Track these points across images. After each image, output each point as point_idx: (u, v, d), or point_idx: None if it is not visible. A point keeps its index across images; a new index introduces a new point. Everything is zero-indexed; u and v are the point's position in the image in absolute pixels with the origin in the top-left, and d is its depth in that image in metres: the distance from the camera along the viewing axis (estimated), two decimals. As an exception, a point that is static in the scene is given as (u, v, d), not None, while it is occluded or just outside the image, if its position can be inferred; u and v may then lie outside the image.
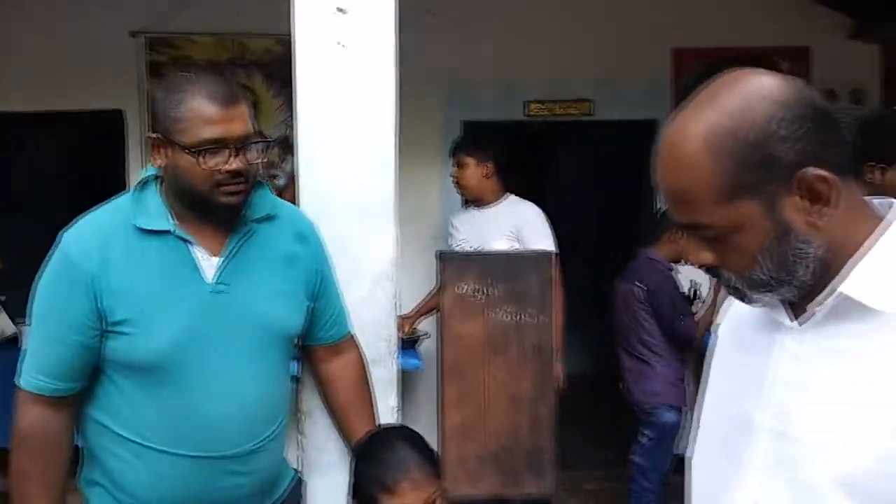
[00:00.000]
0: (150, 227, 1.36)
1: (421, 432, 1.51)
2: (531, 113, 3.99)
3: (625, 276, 2.90)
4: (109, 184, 4.44)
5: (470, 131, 3.89)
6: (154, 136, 1.37)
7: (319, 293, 1.56)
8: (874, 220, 0.83)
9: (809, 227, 0.80)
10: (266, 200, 1.50)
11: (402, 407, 1.85)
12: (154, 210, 1.38)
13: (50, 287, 1.38)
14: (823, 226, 0.80)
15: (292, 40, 1.71)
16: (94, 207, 1.47)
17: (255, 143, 1.38)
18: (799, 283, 0.82)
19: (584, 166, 4.85)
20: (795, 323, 0.86)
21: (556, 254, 3.00)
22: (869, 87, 4.07)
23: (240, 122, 1.35)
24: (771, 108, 0.79)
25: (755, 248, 0.82)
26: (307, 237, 1.55)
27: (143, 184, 1.42)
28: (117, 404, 1.39)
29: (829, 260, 0.82)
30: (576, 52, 3.94)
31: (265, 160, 1.47)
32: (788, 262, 0.81)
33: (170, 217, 1.38)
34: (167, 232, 1.36)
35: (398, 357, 1.88)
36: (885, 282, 0.79)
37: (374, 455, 1.40)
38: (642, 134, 2.71)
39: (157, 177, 1.43)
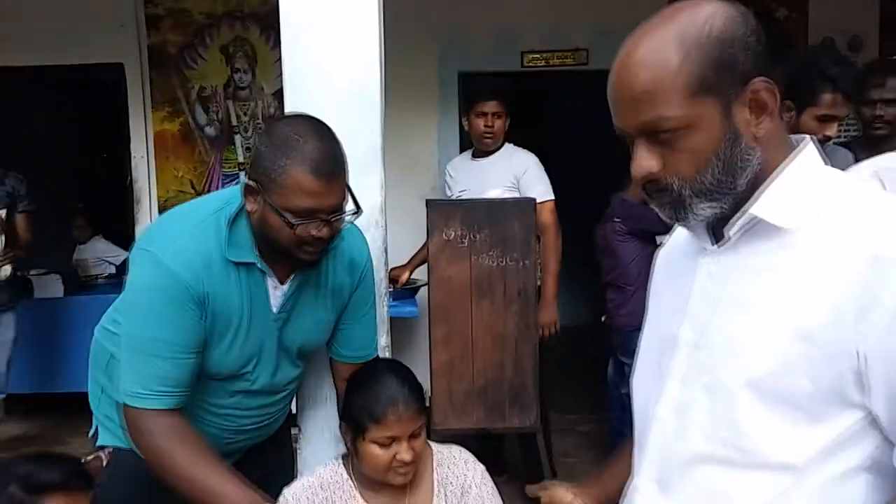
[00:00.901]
0: (239, 261, 1.43)
1: (415, 371, 1.61)
2: (527, 63, 4.00)
3: (604, 219, 3.03)
4: (111, 137, 4.53)
5: (466, 82, 3.91)
6: (251, 183, 1.37)
7: (348, 317, 1.62)
8: (789, 149, 0.91)
9: (752, 139, 0.87)
10: None
11: (396, 348, 1.95)
12: (243, 243, 1.43)
13: (163, 307, 1.39)
14: (761, 139, 0.87)
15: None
16: (172, 221, 1.51)
17: (346, 214, 1.41)
18: (735, 194, 0.88)
19: (579, 115, 4.88)
20: (715, 246, 0.93)
21: (553, 200, 3.07)
22: (867, 34, 4.04)
23: (337, 196, 1.37)
24: (737, 17, 0.86)
25: (710, 149, 0.86)
26: (356, 266, 1.61)
27: (235, 217, 1.43)
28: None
29: (761, 171, 0.88)
30: (571, 0, 3.93)
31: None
32: (735, 168, 0.86)
33: (254, 250, 1.44)
34: (252, 263, 1.44)
35: (388, 298, 1.97)
36: (791, 203, 0.87)
37: (365, 386, 1.49)
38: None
39: (246, 210, 1.42)
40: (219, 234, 1.42)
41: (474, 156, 3.19)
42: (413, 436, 1.44)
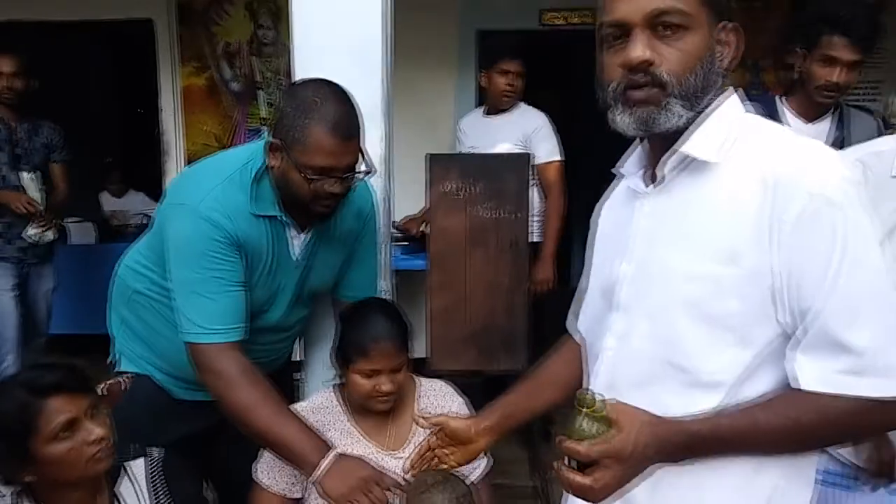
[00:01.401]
0: (263, 214, 1.57)
1: (419, 317, 1.74)
2: (546, 21, 4.01)
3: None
4: (141, 92, 4.67)
5: (485, 40, 3.94)
6: (275, 141, 1.50)
7: (353, 261, 1.77)
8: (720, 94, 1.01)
9: (722, 64, 0.99)
10: None
11: (406, 297, 2.08)
12: (267, 198, 1.57)
13: (211, 249, 1.52)
14: (726, 68, 0.99)
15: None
16: (205, 175, 1.61)
17: (359, 173, 1.54)
18: (699, 108, 0.98)
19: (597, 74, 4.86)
20: (651, 187, 1.04)
21: (561, 161, 3.14)
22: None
23: (352, 155, 1.51)
24: None
25: (700, 54, 0.96)
26: (362, 214, 1.76)
27: (259, 174, 1.56)
28: None
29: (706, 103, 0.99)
30: (592, -42, 3.91)
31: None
32: (709, 83, 0.98)
33: (276, 204, 1.58)
34: (274, 216, 1.58)
35: (390, 246, 2.09)
36: (715, 142, 0.98)
37: (355, 322, 1.62)
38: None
39: (268, 166, 1.55)
40: (244, 189, 1.55)
41: (487, 113, 3.25)
42: (394, 370, 1.56)
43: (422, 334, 2.44)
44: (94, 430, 1.31)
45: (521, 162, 2.17)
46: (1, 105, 3.23)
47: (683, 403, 0.98)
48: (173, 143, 4.29)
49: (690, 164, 1.00)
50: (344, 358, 1.60)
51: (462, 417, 1.47)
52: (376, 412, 1.61)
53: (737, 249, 0.94)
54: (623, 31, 0.97)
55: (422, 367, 2.12)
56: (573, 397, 0.96)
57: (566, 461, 0.96)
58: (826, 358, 0.92)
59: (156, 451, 1.50)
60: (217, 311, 1.53)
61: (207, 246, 1.52)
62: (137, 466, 1.46)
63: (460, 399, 1.73)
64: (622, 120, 0.99)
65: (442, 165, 2.11)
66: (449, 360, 2.17)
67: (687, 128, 0.98)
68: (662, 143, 1.01)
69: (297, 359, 2.04)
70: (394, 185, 2.62)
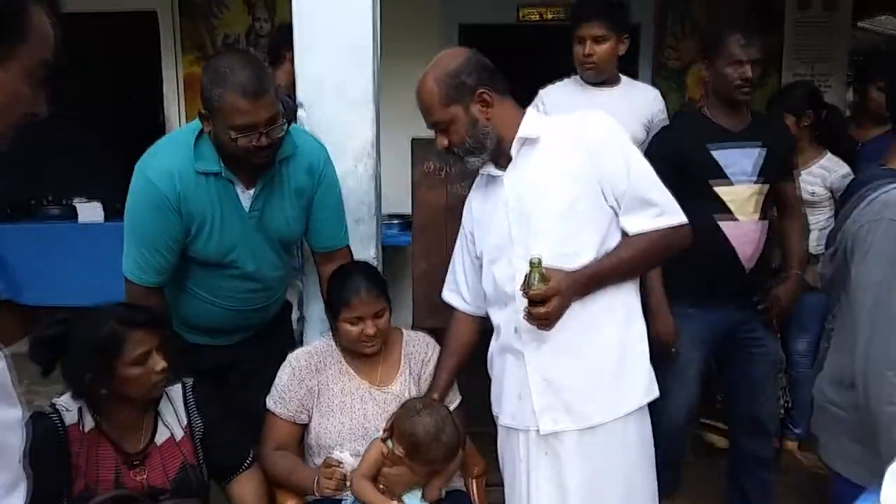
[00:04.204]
0: (205, 170, 1.84)
1: (404, 282, 2.03)
2: (523, 18, 4.29)
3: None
4: (146, 83, 4.92)
5: (466, 34, 4.21)
6: (202, 111, 1.78)
7: (315, 213, 2.02)
8: (521, 113, 1.73)
9: (486, 119, 1.68)
10: (288, 143, 1.89)
11: (394, 269, 2.38)
12: (208, 157, 1.84)
13: (144, 211, 1.82)
14: (492, 118, 1.68)
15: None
16: (160, 142, 1.93)
17: (279, 125, 1.78)
18: (488, 149, 1.70)
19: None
20: (505, 171, 1.71)
21: None
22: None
23: (266, 109, 1.73)
24: (460, 60, 1.69)
25: (463, 131, 1.68)
26: (314, 170, 1.98)
27: (200, 134, 1.83)
28: (195, 278, 1.98)
29: (501, 135, 1.70)
30: (567, -43, 4.19)
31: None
32: (480, 138, 1.68)
33: (219, 161, 1.84)
34: (218, 173, 1.85)
35: (380, 220, 2.40)
36: (535, 126, 1.70)
37: (338, 280, 1.92)
38: (630, 39, 2.54)
39: (205, 132, 1.82)
40: (188, 149, 1.83)
41: (596, 84, 2.55)
42: (376, 316, 1.87)
43: (408, 298, 2.76)
44: (160, 362, 1.64)
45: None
46: None
47: (571, 268, 1.65)
48: (176, 128, 4.55)
49: (525, 143, 1.69)
50: (333, 311, 1.91)
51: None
52: (366, 355, 1.93)
53: (575, 173, 1.65)
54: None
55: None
56: (528, 265, 1.60)
57: (525, 309, 1.61)
58: (642, 213, 1.66)
59: (189, 380, 1.81)
60: (145, 261, 1.84)
61: (147, 208, 1.81)
62: (175, 391, 1.78)
63: (439, 347, 2.05)
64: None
65: (423, 147, 2.41)
66: (431, 317, 2.48)
67: (487, 156, 1.72)
68: (493, 157, 1.73)
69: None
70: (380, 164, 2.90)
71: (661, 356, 2.14)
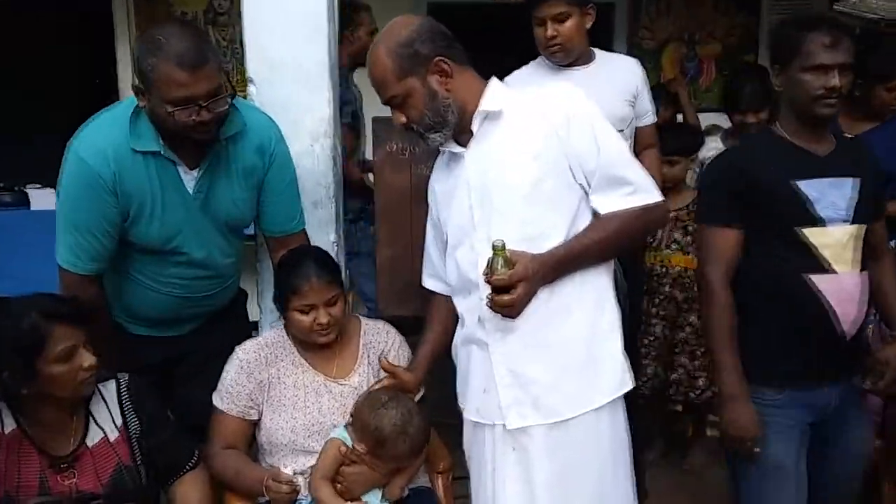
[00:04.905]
0: (143, 149, 1.69)
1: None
2: (494, -5, 4.15)
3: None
4: (101, 65, 4.70)
5: (436, 12, 4.07)
6: (137, 85, 1.63)
7: (266, 195, 1.88)
8: (483, 84, 1.60)
9: (445, 91, 1.55)
10: (235, 120, 1.76)
11: (340, 240, 2.26)
12: (146, 135, 1.69)
13: (77, 192, 1.67)
14: (451, 89, 1.55)
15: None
16: (95, 117, 1.77)
17: (222, 97, 1.63)
18: (450, 123, 1.56)
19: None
20: (465, 147, 1.60)
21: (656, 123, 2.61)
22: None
23: (207, 81, 1.59)
24: (412, 28, 1.54)
25: (422, 105, 1.55)
26: (265, 149, 1.84)
27: (138, 110, 1.68)
28: (137, 264, 1.83)
29: (463, 108, 1.57)
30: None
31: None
32: (441, 111, 1.55)
33: (158, 140, 1.70)
34: (157, 152, 1.70)
35: (341, 201, 2.27)
36: (497, 99, 1.58)
37: (287, 266, 1.79)
38: (601, 17, 2.44)
39: (141, 108, 1.67)
40: (123, 126, 1.68)
41: (568, 65, 2.37)
42: (328, 303, 1.74)
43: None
44: (88, 359, 1.50)
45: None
46: None
47: (538, 252, 1.54)
48: (133, 111, 4.36)
49: (487, 117, 1.57)
50: (282, 299, 1.78)
51: (407, 370, 1.80)
52: (320, 346, 1.80)
53: (538, 151, 1.53)
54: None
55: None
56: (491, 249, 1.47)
57: (488, 296, 1.49)
58: (613, 191, 1.56)
59: (124, 375, 1.67)
60: (80, 247, 1.70)
61: (80, 189, 1.67)
62: (109, 388, 1.63)
63: (400, 337, 1.93)
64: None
65: (385, 127, 2.27)
66: (397, 306, 2.35)
67: (450, 131, 1.58)
68: (456, 133, 1.60)
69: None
70: (365, 143, 2.73)
71: (740, 456, 1.76)
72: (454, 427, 1.81)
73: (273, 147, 1.88)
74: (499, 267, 1.46)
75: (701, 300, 1.84)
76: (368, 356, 1.87)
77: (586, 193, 1.57)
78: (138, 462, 1.60)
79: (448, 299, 1.76)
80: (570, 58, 2.36)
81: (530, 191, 1.53)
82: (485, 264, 1.50)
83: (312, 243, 2.00)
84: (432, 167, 2.01)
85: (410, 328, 2.02)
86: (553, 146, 1.53)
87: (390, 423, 1.64)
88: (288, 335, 1.85)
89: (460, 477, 1.90)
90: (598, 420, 1.58)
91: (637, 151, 2.41)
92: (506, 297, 1.47)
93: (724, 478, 1.97)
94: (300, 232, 1.99)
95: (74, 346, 1.49)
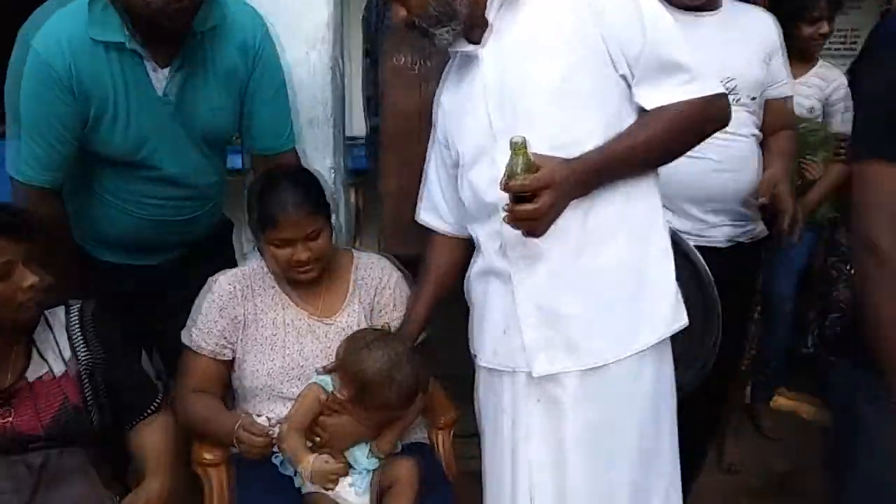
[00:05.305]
0: (104, 39, 1.46)
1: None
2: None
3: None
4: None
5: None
6: None
7: (250, 104, 1.64)
8: None
9: None
10: (214, 10, 1.53)
11: (339, 167, 2.01)
12: (109, 23, 1.46)
13: (29, 89, 1.47)
14: None
15: None
16: (46, 3, 1.57)
17: None
18: (460, 14, 1.29)
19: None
20: (478, 45, 1.33)
21: None
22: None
23: None
24: None
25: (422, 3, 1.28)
26: (248, 48, 1.60)
27: None
28: (103, 179, 1.62)
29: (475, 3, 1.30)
30: None
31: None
32: (449, 7, 1.28)
33: (123, 30, 1.46)
34: (122, 43, 1.46)
35: (340, 120, 2.01)
36: None
37: (262, 191, 1.53)
38: None
39: None
40: (82, 11, 1.45)
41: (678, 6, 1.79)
42: (308, 238, 1.49)
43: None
44: (29, 277, 1.30)
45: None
46: None
47: None
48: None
49: (504, 3, 1.30)
50: (256, 229, 1.54)
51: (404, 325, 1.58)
52: (302, 282, 1.56)
53: (571, 36, 1.26)
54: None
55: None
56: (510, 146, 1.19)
57: (505, 209, 1.22)
58: (664, 80, 1.27)
59: (77, 302, 1.47)
60: (32, 154, 1.50)
61: (32, 85, 1.47)
62: (58, 316, 1.43)
63: (397, 273, 1.69)
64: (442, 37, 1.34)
65: (393, 35, 2.00)
66: (402, 243, 2.10)
67: (460, 25, 1.31)
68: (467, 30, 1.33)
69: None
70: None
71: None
72: (461, 379, 1.57)
73: (258, 45, 1.62)
74: (518, 170, 1.19)
75: (860, 269, 1.19)
76: (360, 294, 1.63)
77: (629, 87, 1.29)
78: (88, 401, 1.41)
79: (449, 238, 1.52)
80: None
81: (561, 87, 1.26)
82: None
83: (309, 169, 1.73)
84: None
85: (417, 268, 1.78)
86: (587, 30, 1.25)
87: (375, 366, 1.41)
88: (267, 266, 1.62)
89: (468, 435, 1.66)
90: (642, 365, 1.31)
91: (766, 132, 1.92)
92: (528, 206, 1.20)
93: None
94: (289, 150, 1.74)
95: (11, 262, 1.28)
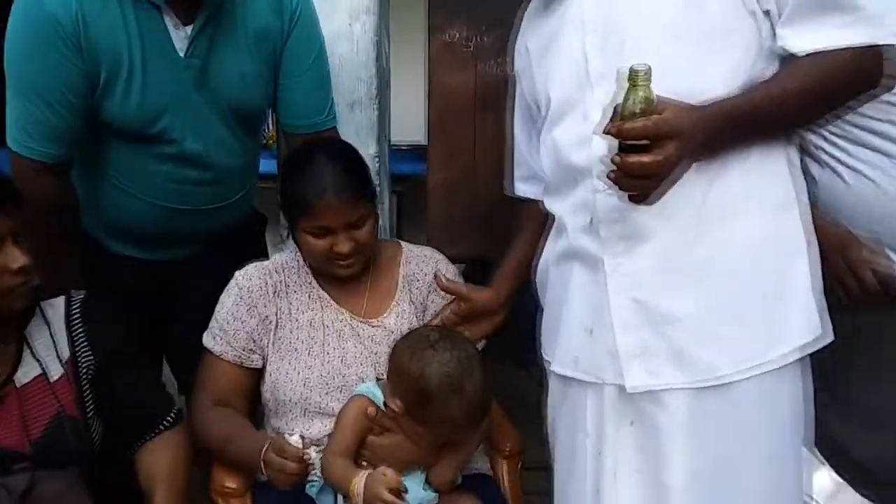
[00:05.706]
0: None
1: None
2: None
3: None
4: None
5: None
6: None
7: (285, 74, 1.45)
8: None
9: None
10: None
11: (384, 155, 1.79)
12: None
13: (29, 46, 1.29)
14: None
15: None
16: None
17: None
18: None
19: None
20: None
21: None
22: None
23: None
24: None
25: None
26: (283, 7, 1.42)
27: None
28: (114, 157, 1.41)
29: None
30: None
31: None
32: None
33: None
34: None
35: (382, 100, 1.80)
36: None
37: (297, 170, 1.31)
38: None
39: None
40: None
41: None
42: (351, 225, 1.27)
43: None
44: (18, 258, 1.08)
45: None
46: None
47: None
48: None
49: None
50: (289, 215, 1.32)
51: (484, 289, 1.30)
52: (342, 278, 1.33)
53: None
54: None
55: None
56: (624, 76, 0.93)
57: (610, 160, 0.96)
58: (819, 19, 0.99)
59: (79, 293, 1.23)
60: (33, 121, 1.30)
61: (33, 41, 1.28)
62: (55, 307, 1.20)
63: (453, 267, 1.45)
64: None
65: (444, 8, 1.80)
66: (449, 243, 1.87)
67: None
68: None
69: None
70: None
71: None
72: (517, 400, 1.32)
73: (296, 8, 1.42)
74: (637, 109, 0.92)
75: None
76: (410, 291, 1.39)
77: (772, 27, 1.02)
78: (88, 412, 1.17)
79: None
80: None
81: (680, 23, 1.01)
82: (600, 142, 1.02)
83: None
84: (503, 63, 1.54)
85: (466, 275, 1.54)
86: None
87: (441, 371, 1.16)
88: (303, 260, 1.38)
89: (533, 468, 1.41)
90: (777, 385, 1.03)
91: None
92: (645, 157, 0.94)
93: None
94: (329, 130, 1.52)
95: None
